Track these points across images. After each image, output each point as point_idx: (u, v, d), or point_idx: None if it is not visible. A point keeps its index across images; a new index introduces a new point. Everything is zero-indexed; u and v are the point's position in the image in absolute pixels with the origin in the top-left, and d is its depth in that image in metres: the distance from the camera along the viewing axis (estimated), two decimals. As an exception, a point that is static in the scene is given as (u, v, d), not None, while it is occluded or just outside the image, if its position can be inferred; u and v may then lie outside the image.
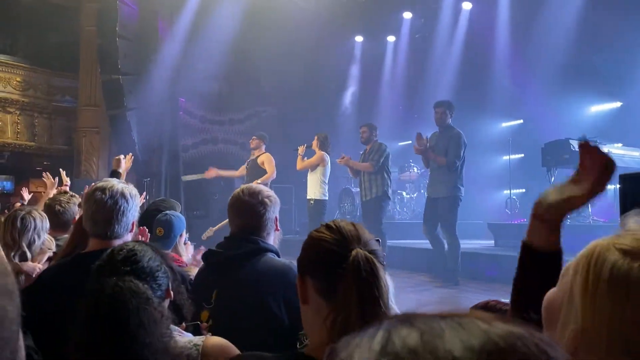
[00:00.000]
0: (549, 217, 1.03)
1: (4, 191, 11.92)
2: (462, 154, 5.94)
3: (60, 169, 4.63)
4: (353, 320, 1.02)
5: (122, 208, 1.86)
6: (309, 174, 6.85)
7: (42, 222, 2.79)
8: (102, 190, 1.86)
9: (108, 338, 1.22)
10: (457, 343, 0.35)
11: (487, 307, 1.31)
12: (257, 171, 7.00)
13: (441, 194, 5.97)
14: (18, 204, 6.12)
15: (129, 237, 1.92)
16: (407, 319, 0.39)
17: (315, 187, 6.70)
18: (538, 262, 1.03)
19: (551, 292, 0.84)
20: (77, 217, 3.02)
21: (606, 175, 0.97)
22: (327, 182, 6.79)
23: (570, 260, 0.83)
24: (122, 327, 1.23)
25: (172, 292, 1.47)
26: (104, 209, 1.84)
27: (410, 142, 6.36)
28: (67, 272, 1.79)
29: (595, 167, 0.98)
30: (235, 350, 1.46)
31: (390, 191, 6.67)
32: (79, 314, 1.28)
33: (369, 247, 1.11)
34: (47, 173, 4.53)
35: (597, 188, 0.97)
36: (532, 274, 1.03)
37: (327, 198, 6.82)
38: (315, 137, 6.90)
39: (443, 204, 5.95)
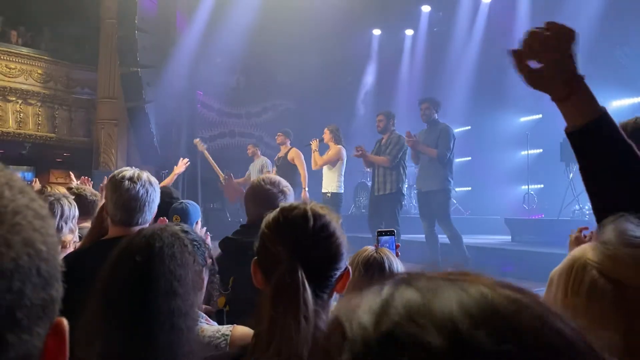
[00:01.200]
0: (554, 96, 1.07)
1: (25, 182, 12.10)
2: (451, 146, 5.88)
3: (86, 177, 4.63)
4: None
5: (152, 196, 1.96)
6: (325, 167, 6.81)
7: (70, 209, 2.72)
8: (131, 179, 1.92)
9: (138, 266, 1.22)
10: (455, 305, 0.35)
11: None
12: (287, 168, 7.01)
13: (432, 188, 5.90)
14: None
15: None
16: (412, 278, 0.39)
17: (332, 181, 6.66)
18: (592, 138, 1.03)
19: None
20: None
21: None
22: (343, 175, 6.76)
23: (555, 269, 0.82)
24: (154, 252, 1.23)
25: (204, 282, 1.47)
26: (137, 198, 1.92)
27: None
28: (87, 259, 1.82)
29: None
30: None
31: (405, 187, 6.46)
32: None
33: None
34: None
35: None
36: (596, 156, 1.03)
37: (343, 191, 6.80)
38: (327, 130, 6.70)
39: (436, 198, 5.88)
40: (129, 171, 1.97)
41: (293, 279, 1.03)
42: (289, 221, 1.11)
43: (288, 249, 1.07)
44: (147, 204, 1.94)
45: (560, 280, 0.77)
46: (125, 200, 1.91)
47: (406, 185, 6.62)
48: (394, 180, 6.13)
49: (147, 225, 1.94)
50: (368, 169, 6.75)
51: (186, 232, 1.38)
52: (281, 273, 1.04)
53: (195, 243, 1.38)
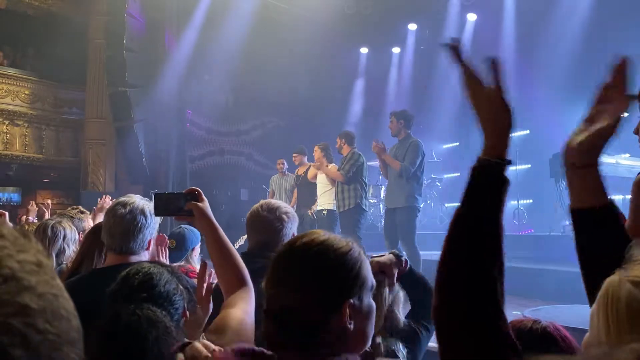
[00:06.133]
0: (582, 161, 0.96)
1: (12, 203, 11.96)
2: (418, 162, 5.69)
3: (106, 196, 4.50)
4: None
5: (139, 224, 1.85)
6: (323, 185, 6.72)
7: (72, 232, 2.86)
8: (123, 205, 1.87)
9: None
10: None
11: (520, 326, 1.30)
12: (309, 186, 6.95)
13: (399, 204, 5.69)
14: (24, 218, 6.11)
15: (145, 254, 1.90)
16: None
17: (329, 198, 6.61)
18: (595, 224, 0.95)
19: (585, 338, 0.83)
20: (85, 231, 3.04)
21: (627, 99, 0.95)
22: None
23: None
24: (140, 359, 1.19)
25: (187, 312, 1.44)
26: (122, 224, 1.84)
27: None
28: (84, 288, 1.79)
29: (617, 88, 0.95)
30: None
31: (365, 203, 6.26)
32: (91, 342, 1.23)
33: None
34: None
35: (621, 108, 0.94)
36: (595, 241, 0.96)
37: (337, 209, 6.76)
38: (318, 149, 6.53)
39: (401, 214, 5.67)
40: (127, 197, 1.93)
41: None
42: None
43: None
44: (132, 232, 1.84)
45: (600, 309, 0.77)
46: (112, 225, 1.87)
47: (367, 202, 6.39)
48: (352, 197, 6.05)
49: (143, 255, 1.89)
50: (332, 185, 6.47)
51: (159, 297, 1.32)
52: None
53: (168, 296, 1.35)
